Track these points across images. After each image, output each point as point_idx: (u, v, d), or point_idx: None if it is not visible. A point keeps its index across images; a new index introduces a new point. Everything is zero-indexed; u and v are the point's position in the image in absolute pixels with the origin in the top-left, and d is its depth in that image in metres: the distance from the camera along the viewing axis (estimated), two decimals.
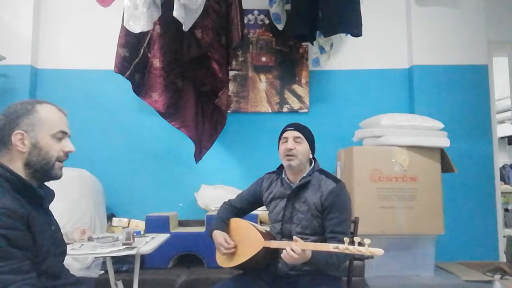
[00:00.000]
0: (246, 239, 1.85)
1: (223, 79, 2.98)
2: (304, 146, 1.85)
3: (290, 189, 1.87)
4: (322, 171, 1.90)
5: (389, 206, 2.71)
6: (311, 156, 1.89)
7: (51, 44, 3.48)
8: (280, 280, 1.83)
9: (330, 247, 1.53)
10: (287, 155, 1.83)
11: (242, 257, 1.81)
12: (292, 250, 1.56)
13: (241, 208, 2.03)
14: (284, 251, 1.58)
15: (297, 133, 1.85)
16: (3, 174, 1.20)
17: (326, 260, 1.63)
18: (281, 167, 1.97)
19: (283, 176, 1.93)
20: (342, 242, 1.56)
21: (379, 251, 1.45)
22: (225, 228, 1.93)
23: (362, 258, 2.60)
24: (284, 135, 1.88)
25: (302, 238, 1.76)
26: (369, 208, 2.68)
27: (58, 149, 1.29)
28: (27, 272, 1.13)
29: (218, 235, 1.87)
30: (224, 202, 2.08)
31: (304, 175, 1.87)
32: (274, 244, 1.77)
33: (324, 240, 1.75)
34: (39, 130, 1.25)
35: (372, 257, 2.60)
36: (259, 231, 1.85)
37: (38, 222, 1.21)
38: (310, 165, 1.92)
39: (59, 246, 1.35)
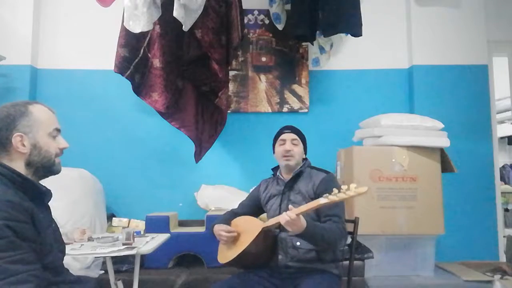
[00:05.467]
0: (246, 229, 1.91)
1: (223, 79, 2.98)
2: (300, 147, 2.02)
3: (284, 184, 1.99)
4: (312, 167, 2.04)
5: (389, 206, 2.71)
6: (304, 156, 2.05)
7: (51, 44, 3.48)
8: (281, 276, 1.85)
9: (320, 201, 1.60)
10: (285, 156, 1.98)
11: (243, 244, 1.84)
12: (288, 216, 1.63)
13: (242, 213, 2.09)
14: (282, 218, 1.64)
15: (294, 136, 2.01)
16: (3, 172, 1.23)
17: (321, 233, 1.71)
18: (275, 168, 2.10)
19: (278, 174, 2.06)
20: (338, 223, 1.78)
21: (363, 188, 1.53)
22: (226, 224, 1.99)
23: (362, 258, 2.60)
24: (282, 137, 2.03)
25: None
26: (369, 208, 2.68)
27: (55, 146, 1.33)
28: (33, 263, 1.15)
29: (218, 226, 1.96)
30: (226, 211, 2.16)
31: (296, 169, 2.00)
32: (272, 221, 1.82)
33: None
34: (37, 130, 1.29)
35: (372, 257, 2.62)
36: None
37: (40, 217, 1.24)
38: (302, 162, 2.05)
39: (60, 244, 1.37)
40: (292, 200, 1.92)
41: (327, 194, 1.59)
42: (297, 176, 1.97)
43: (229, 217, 2.06)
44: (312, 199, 1.85)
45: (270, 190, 2.05)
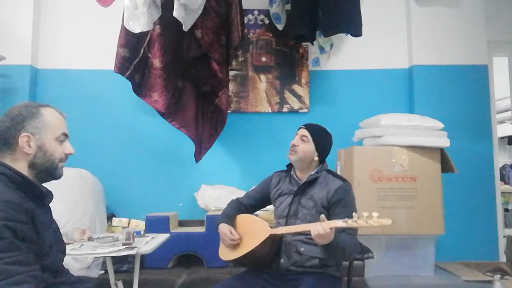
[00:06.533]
0: (252, 230, 1.88)
1: (223, 79, 2.98)
2: (308, 146, 1.92)
3: (298, 186, 1.92)
4: (330, 171, 1.96)
5: (389, 206, 2.71)
6: (316, 158, 1.93)
7: (51, 44, 3.48)
8: (282, 277, 1.84)
9: (337, 223, 1.58)
10: (290, 150, 1.94)
11: (248, 247, 1.82)
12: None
13: (249, 204, 2.06)
14: (314, 229, 1.60)
15: (305, 132, 1.94)
16: (5, 172, 1.23)
17: (343, 246, 1.68)
18: (290, 164, 2.03)
19: (291, 173, 2.00)
20: (353, 236, 1.74)
21: (387, 221, 1.51)
22: (231, 223, 1.97)
23: (362, 258, 2.60)
24: (297, 132, 1.99)
25: (304, 233, 1.81)
26: (369, 208, 2.60)
27: (61, 151, 1.33)
28: (32, 264, 1.15)
29: (224, 227, 1.92)
30: (232, 200, 2.11)
31: (312, 172, 1.93)
32: (281, 230, 1.81)
33: None
34: (45, 133, 1.29)
35: (372, 257, 2.62)
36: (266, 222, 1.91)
37: (41, 218, 1.23)
38: (319, 165, 1.97)
39: (60, 245, 1.37)
40: (303, 205, 1.88)
41: (347, 219, 1.57)
42: (312, 181, 1.90)
43: (235, 211, 2.01)
44: (324, 207, 1.82)
45: (282, 187, 1.98)
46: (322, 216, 1.64)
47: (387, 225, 1.52)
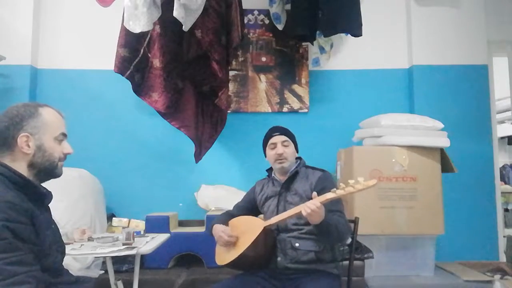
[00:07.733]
0: (246, 228, 1.89)
1: (223, 79, 2.98)
2: (291, 148, 2.00)
3: (281, 185, 1.98)
4: (307, 166, 2.03)
5: (389, 206, 2.71)
6: (296, 154, 2.03)
7: (51, 44, 3.48)
8: (281, 277, 1.85)
9: (327, 195, 1.62)
10: (278, 159, 1.96)
11: (243, 246, 1.82)
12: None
13: (238, 215, 2.07)
14: (304, 207, 1.62)
15: (284, 137, 1.99)
16: (5, 173, 1.23)
17: (336, 224, 1.70)
18: (270, 169, 2.08)
19: (272, 175, 2.05)
20: (343, 218, 1.80)
21: (372, 181, 1.58)
22: (225, 224, 1.98)
23: (362, 258, 2.60)
24: (272, 140, 2.00)
25: (297, 229, 1.86)
26: (369, 208, 2.68)
27: (60, 151, 1.34)
28: (32, 264, 1.15)
29: (218, 226, 1.93)
30: (222, 213, 2.14)
31: (292, 169, 1.99)
32: (274, 219, 1.82)
33: None
34: (43, 132, 1.29)
35: (372, 257, 2.62)
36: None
37: (40, 219, 1.23)
38: (297, 161, 2.05)
39: (60, 245, 1.37)
40: (289, 201, 1.91)
41: (335, 189, 1.60)
42: (292, 177, 1.97)
43: (227, 218, 2.04)
44: (310, 199, 1.83)
45: (266, 191, 2.03)
46: (314, 193, 1.66)
47: (373, 185, 1.59)
